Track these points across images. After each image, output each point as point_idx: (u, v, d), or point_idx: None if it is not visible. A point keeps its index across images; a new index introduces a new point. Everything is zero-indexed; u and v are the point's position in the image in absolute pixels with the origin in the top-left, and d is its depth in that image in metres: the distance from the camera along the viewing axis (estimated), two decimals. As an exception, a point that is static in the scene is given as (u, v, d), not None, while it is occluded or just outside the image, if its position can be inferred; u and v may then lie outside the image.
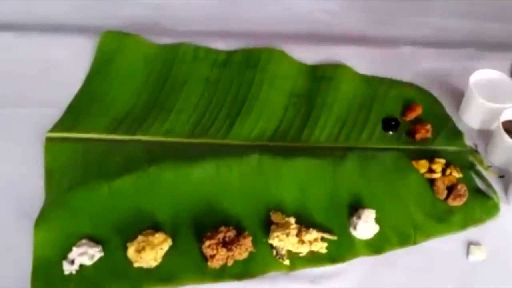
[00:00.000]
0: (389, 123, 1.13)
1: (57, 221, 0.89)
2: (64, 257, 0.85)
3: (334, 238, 0.92)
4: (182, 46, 1.21)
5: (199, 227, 0.91)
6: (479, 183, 1.04)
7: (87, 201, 0.92)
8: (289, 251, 0.90)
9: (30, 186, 0.95)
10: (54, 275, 0.84)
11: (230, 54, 1.21)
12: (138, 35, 1.20)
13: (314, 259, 0.90)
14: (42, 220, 0.89)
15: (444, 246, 0.95)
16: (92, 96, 1.10)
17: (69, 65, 1.16)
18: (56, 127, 1.03)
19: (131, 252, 0.85)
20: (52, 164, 0.97)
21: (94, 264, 0.86)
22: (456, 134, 1.13)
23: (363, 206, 0.96)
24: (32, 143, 1.00)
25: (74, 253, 0.85)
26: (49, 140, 1.01)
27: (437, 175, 1.02)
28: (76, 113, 1.06)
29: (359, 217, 0.93)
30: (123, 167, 0.97)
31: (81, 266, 0.85)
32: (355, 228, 0.93)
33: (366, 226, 0.93)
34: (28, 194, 0.94)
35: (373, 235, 0.93)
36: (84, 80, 1.13)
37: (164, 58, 1.18)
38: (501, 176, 1.05)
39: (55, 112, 1.06)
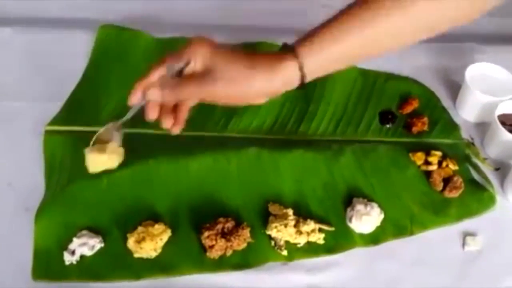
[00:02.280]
0: (386, 116, 1.14)
1: (57, 213, 0.90)
2: (65, 248, 0.86)
3: (331, 229, 0.94)
4: (181, 39, 1.21)
5: (198, 218, 0.92)
6: (475, 175, 1.05)
7: (87, 193, 0.93)
8: (287, 242, 0.91)
9: (30, 179, 0.95)
10: (55, 266, 0.85)
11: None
12: (136, 29, 1.21)
13: (311, 249, 0.91)
14: (42, 212, 0.90)
15: (440, 237, 0.96)
16: (91, 90, 1.10)
17: (66, 59, 1.17)
18: (55, 120, 1.03)
19: (131, 242, 0.86)
20: (51, 157, 0.98)
21: (95, 255, 0.87)
22: (452, 127, 1.14)
23: (359, 198, 0.97)
24: (31, 137, 1.01)
25: (75, 243, 0.86)
26: (48, 133, 1.01)
27: (434, 167, 1.03)
28: (74, 106, 1.07)
29: (353, 209, 0.95)
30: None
31: (81, 256, 0.86)
32: (350, 220, 0.94)
33: (365, 220, 0.93)
34: (28, 187, 0.94)
35: (372, 229, 0.94)
36: (82, 74, 1.13)
37: (162, 52, 1.18)
38: (497, 169, 1.06)
39: (54, 106, 1.06)
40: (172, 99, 0.81)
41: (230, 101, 0.80)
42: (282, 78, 0.78)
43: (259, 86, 0.77)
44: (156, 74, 0.80)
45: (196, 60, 0.78)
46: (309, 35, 0.80)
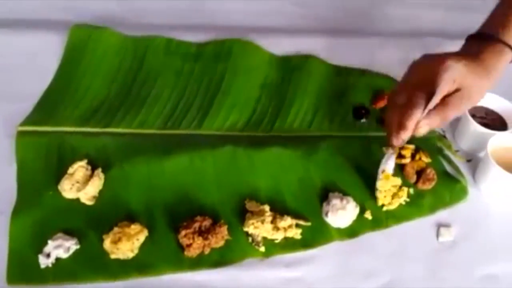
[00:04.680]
0: (359, 112, 1.15)
1: (32, 216, 0.89)
2: (40, 251, 0.85)
3: (308, 224, 0.94)
4: (154, 38, 1.21)
5: (174, 217, 0.92)
6: (448, 167, 1.07)
7: (62, 195, 0.92)
8: (264, 238, 0.91)
9: (2, 181, 0.94)
10: (30, 269, 0.84)
11: (201, 46, 1.22)
12: (108, 28, 1.20)
13: (289, 245, 0.91)
14: (16, 215, 0.88)
15: (415, 229, 0.97)
16: (63, 89, 1.09)
17: (38, 59, 1.16)
18: (27, 121, 1.02)
19: (107, 243, 0.85)
20: (24, 158, 0.96)
21: (70, 257, 0.85)
22: (424, 120, 1.15)
23: (335, 193, 0.98)
24: (3, 138, 0.99)
25: (50, 246, 0.85)
26: (20, 134, 0.99)
27: (407, 160, 1.05)
28: (47, 106, 1.06)
29: (328, 204, 0.96)
30: (96, 159, 0.97)
31: (57, 259, 0.85)
32: (326, 215, 0.95)
33: (341, 214, 0.94)
34: (1, 189, 0.93)
35: (348, 223, 0.95)
36: (54, 74, 1.12)
37: (135, 51, 1.18)
38: (469, 160, 1.08)
39: (26, 107, 1.05)
40: (438, 124, 0.91)
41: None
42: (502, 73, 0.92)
43: (494, 83, 0.93)
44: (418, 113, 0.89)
45: (442, 85, 0.88)
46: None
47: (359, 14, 1.42)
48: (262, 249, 0.90)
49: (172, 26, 1.27)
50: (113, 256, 0.86)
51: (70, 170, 0.94)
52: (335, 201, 0.95)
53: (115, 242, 0.85)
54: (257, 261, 0.90)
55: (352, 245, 0.94)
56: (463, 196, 1.02)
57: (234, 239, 0.91)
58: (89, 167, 0.96)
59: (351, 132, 1.12)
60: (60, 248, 0.85)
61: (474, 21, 1.42)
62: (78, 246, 0.87)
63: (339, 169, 1.03)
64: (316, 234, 0.93)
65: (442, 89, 0.88)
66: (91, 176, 0.94)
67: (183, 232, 0.88)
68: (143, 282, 0.85)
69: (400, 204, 0.99)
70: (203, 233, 0.88)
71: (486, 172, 1.02)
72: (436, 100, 0.88)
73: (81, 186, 0.92)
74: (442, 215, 0.99)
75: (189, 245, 0.87)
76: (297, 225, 0.93)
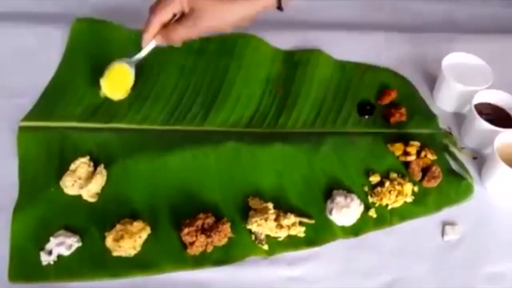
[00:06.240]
0: (364, 108, 1.14)
1: (33, 212, 0.88)
2: (42, 248, 0.84)
3: (312, 222, 0.93)
4: (157, 33, 1.20)
5: (177, 214, 0.91)
6: (453, 165, 1.06)
7: (64, 191, 0.91)
8: (267, 236, 0.90)
9: (4, 177, 0.93)
10: (32, 266, 0.83)
11: (205, 41, 1.20)
12: (111, 22, 1.19)
13: (292, 243, 0.91)
14: (18, 211, 0.88)
15: (420, 227, 0.96)
16: (65, 84, 1.08)
17: (41, 54, 1.14)
18: (29, 116, 1.01)
19: (109, 241, 0.85)
20: (26, 154, 0.96)
21: (72, 254, 0.85)
22: (430, 117, 1.14)
23: (339, 190, 0.97)
24: (5, 134, 0.98)
25: (52, 243, 0.84)
26: (22, 129, 0.99)
27: (412, 158, 1.04)
28: (49, 101, 1.05)
29: (333, 202, 0.95)
30: (98, 155, 0.97)
31: (59, 256, 0.84)
32: (330, 212, 0.94)
33: (345, 212, 0.93)
34: (2, 185, 0.92)
35: (352, 221, 0.94)
36: (56, 68, 1.11)
37: (138, 45, 1.17)
38: (475, 158, 1.07)
39: (28, 102, 1.04)
40: (165, 43, 0.99)
41: (213, 30, 0.99)
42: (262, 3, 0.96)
43: (241, 15, 0.96)
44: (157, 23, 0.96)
45: (184, 4, 0.94)
46: None
47: (366, 8, 1.40)
48: (265, 247, 0.90)
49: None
50: (115, 254, 0.85)
51: (72, 167, 0.93)
52: (339, 199, 0.94)
53: (117, 239, 0.85)
54: (260, 259, 0.89)
55: (356, 243, 0.93)
56: (469, 194, 1.01)
57: (237, 237, 0.90)
58: (91, 164, 0.95)
59: (356, 129, 1.11)
60: (62, 245, 0.84)
61: (477, 16, 1.42)
62: (80, 244, 0.86)
63: (343, 166, 1.02)
64: (320, 232, 0.93)
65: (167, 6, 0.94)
66: (93, 172, 0.93)
67: (185, 230, 0.87)
68: (145, 280, 0.85)
69: (405, 202, 0.98)
70: (206, 230, 0.88)
71: (492, 170, 1.00)
72: (159, 17, 0.96)
73: (83, 183, 0.91)
74: (447, 213, 0.98)
75: (191, 243, 0.86)
76: (301, 223, 0.92)
